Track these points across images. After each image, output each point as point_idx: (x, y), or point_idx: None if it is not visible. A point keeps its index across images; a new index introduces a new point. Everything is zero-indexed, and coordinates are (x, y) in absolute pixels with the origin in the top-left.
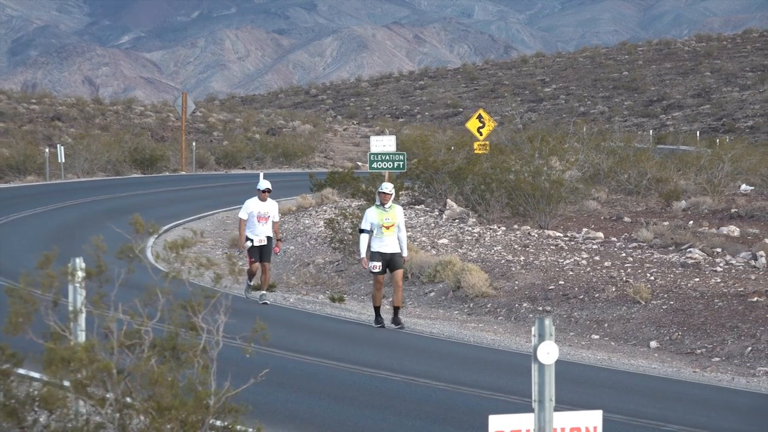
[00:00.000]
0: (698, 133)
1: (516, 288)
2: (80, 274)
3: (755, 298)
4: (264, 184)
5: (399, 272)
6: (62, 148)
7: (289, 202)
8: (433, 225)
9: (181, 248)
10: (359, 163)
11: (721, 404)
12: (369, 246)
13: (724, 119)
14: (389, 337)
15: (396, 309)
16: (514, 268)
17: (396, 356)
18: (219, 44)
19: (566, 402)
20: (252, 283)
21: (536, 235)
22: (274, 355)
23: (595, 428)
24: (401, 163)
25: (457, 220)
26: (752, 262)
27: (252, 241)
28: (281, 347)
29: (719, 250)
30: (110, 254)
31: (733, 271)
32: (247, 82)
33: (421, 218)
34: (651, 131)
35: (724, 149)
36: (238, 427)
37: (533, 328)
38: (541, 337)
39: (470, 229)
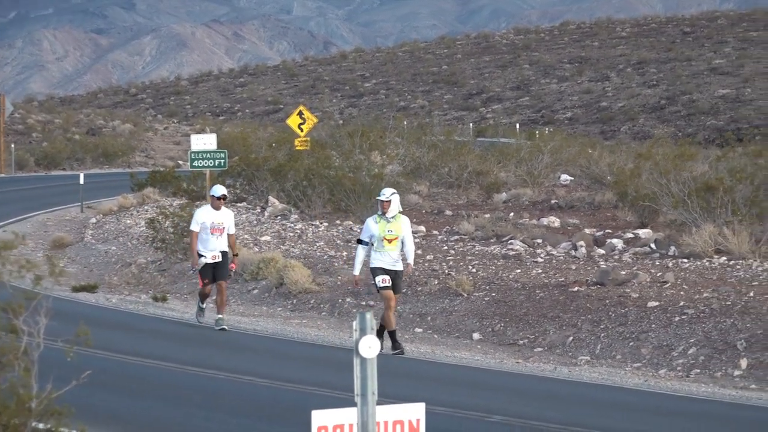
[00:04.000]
0: (518, 125)
1: (339, 283)
2: None
3: (576, 288)
4: (219, 190)
5: (396, 297)
6: None
7: (110, 202)
8: (255, 222)
9: (3, 250)
10: (180, 162)
11: (544, 394)
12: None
13: (543, 111)
14: (214, 336)
15: (389, 332)
16: (336, 264)
17: (221, 354)
18: (37, 45)
19: (390, 396)
20: (203, 306)
21: (358, 230)
22: (96, 357)
23: (417, 421)
24: (222, 161)
25: (279, 217)
26: (572, 253)
27: (205, 257)
28: (104, 348)
29: (540, 241)
30: None
31: (554, 261)
32: (66, 83)
33: (243, 216)
34: (471, 124)
35: (544, 141)
36: (62, 430)
37: (354, 323)
38: (363, 332)
39: (292, 225)
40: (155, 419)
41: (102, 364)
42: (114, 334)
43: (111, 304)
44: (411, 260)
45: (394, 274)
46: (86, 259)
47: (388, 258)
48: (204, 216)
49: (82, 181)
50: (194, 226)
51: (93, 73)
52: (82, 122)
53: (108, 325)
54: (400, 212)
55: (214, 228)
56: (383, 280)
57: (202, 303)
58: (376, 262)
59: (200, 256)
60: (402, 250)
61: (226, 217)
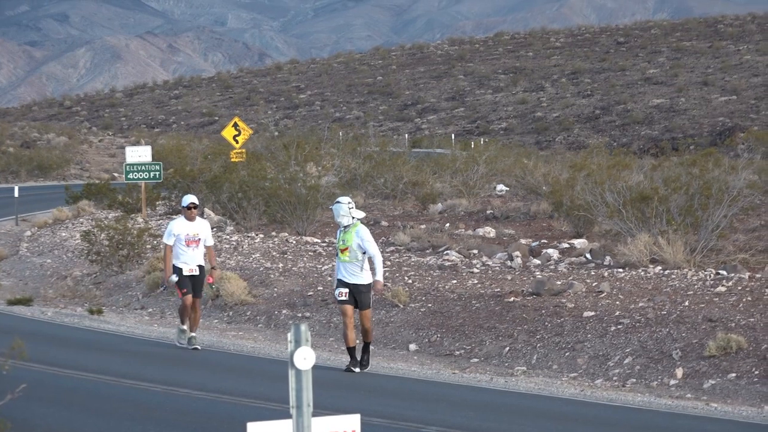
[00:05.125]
0: (453, 135)
1: (275, 295)
2: None
3: (512, 298)
4: (188, 199)
5: (364, 313)
6: None
7: (45, 215)
8: None
9: None
10: (116, 174)
11: (481, 404)
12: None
13: (479, 121)
14: (149, 349)
15: (364, 345)
16: (273, 275)
17: (157, 367)
18: None
19: (325, 407)
20: (185, 327)
21: (294, 242)
22: (32, 370)
23: None
24: (157, 173)
25: (215, 229)
26: (508, 263)
27: (181, 271)
28: (40, 362)
29: (476, 251)
30: None
31: (490, 272)
32: None
33: None
34: (406, 135)
35: (479, 151)
36: None
37: (289, 334)
38: (297, 343)
39: (228, 237)
40: None
41: (38, 377)
42: (50, 347)
43: (46, 317)
44: (379, 275)
45: (353, 288)
46: (21, 272)
47: (344, 270)
48: (178, 228)
49: (16, 194)
50: (167, 239)
51: (27, 86)
52: (16, 135)
53: (44, 339)
54: (359, 222)
55: (190, 240)
56: (340, 293)
57: (183, 323)
58: (338, 273)
59: (177, 269)
60: (372, 261)
61: (201, 228)
